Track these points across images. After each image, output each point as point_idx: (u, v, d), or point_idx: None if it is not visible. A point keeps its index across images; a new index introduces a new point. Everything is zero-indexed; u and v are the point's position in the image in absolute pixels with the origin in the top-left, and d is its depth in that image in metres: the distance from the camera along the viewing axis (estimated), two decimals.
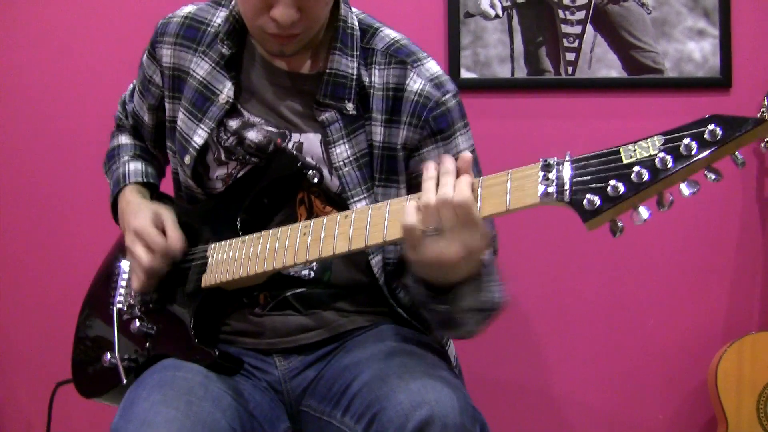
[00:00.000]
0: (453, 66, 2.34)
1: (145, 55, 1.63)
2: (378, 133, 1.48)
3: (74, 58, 2.44)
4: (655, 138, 1.04)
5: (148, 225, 1.51)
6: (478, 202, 1.17)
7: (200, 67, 1.54)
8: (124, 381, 1.52)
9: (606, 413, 2.45)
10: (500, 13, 2.35)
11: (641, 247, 2.40)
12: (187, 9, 1.60)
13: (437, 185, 1.20)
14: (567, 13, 2.35)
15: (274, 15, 1.35)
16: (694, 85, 2.37)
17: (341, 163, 1.47)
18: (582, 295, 2.44)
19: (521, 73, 2.36)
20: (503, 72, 2.36)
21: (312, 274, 1.50)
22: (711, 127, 1.00)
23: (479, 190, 1.18)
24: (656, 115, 2.38)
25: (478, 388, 2.36)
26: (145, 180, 1.66)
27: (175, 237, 1.50)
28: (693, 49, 2.35)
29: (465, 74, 2.35)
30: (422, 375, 1.29)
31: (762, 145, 2.27)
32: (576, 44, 2.35)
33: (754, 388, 2.22)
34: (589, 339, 2.45)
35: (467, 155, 1.22)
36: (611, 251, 2.38)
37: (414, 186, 1.47)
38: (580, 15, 2.35)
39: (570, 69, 2.36)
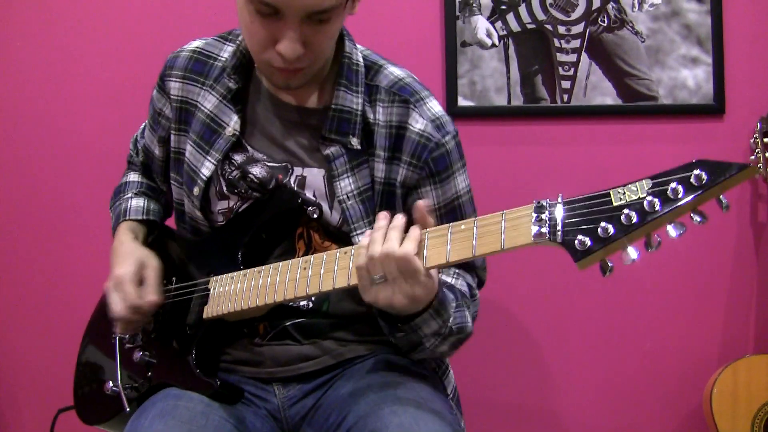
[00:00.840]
0: (450, 94, 2.38)
1: (155, 90, 1.67)
2: (380, 169, 1.51)
3: (74, 58, 2.47)
4: (644, 181, 1.07)
5: (128, 277, 1.54)
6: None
7: (207, 101, 1.57)
8: (127, 409, 1.55)
9: None
10: (497, 42, 2.39)
11: (638, 272, 2.42)
12: (195, 43, 1.63)
13: (384, 237, 1.27)
14: (562, 41, 2.39)
15: (279, 49, 1.38)
16: (687, 112, 2.40)
17: (345, 196, 1.50)
18: (580, 318, 2.46)
19: (517, 100, 2.40)
20: (500, 100, 2.39)
21: (310, 305, 1.53)
22: (697, 171, 1.04)
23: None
24: (651, 141, 2.41)
25: (478, 412, 2.40)
26: (144, 217, 1.69)
27: (150, 297, 1.54)
28: (686, 77, 2.39)
29: (462, 102, 2.38)
30: (415, 408, 1.33)
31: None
32: (571, 72, 2.39)
33: (749, 410, 2.24)
34: (587, 361, 2.47)
35: (421, 204, 1.27)
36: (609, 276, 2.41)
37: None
38: (575, 44, 2.39)
39: (565, 97, 2.39)
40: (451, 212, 1.55)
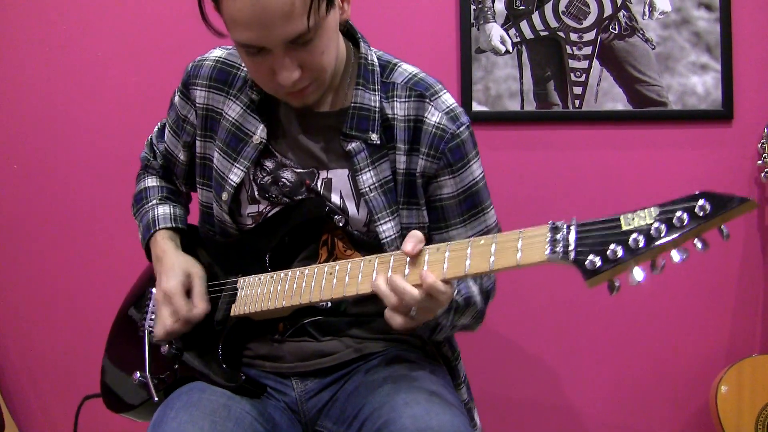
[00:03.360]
0: (465, 99, 2.43)
1: (177, 96, 1.71)
2: (401, 161, 1.57)
3: (74, 59, 2.51)
4: (652, 209, 1.12)
5: (178, 291, 1.60)
6: (492, 257, 1.27)
7: (232, 110, 1.62)
8: (155, 399, 1.61)
9: (612, 431, 2.52)
10: (510, 48, 2.43)
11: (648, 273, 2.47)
12: (217, 52, 1.68)
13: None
14: (574, 48, 2.43)
15: (278, 80, 1.44)
16: (696, 118, 2.44)
17: (367, 188, 1.56)
18: (590, 318, 2.50)
19: (530, 106, 2.44)
20: (513, 105, 2.44)
21: (329, 304, 1.58)
22: (701, 202, 1.09)
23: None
24: (660, 146, 2.45)
25: (489, 406, 2.45)
26: (173, 225, 1.74)
27: (200, 307, 1.60)
28: (696, 83, 2.43)
29: (477, 107, 2.43)
30: (426, 401, 1.40)
31: (762, 175, 2.35)
32: (583, 78, 2.43)
33: (753, 409, 2.28)
34: (597, 360, 2.51)
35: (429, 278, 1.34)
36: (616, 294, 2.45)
37: (431, 209, 1.61)
38: (587, 50, 2.43)
39: (577, 102, 2.44)
40: (468, 198, 1.61)
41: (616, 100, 2.44)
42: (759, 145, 2.39)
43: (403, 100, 1.58)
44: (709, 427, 2.43)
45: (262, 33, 1.38)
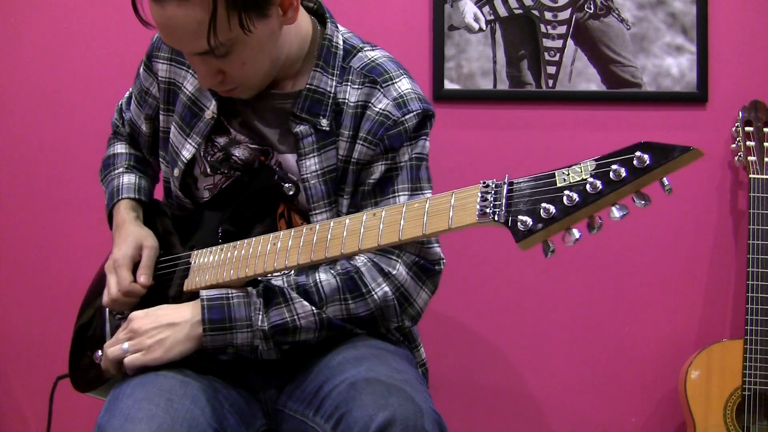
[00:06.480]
0: (437, 77, 2.40)
1: (141, 67, 1.70)
2: (343, 148, 1.54)
3: (73, 59, 2.48)
4: (588, 163, 1.08)
5: (125, 262, 1.60)
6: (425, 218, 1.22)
7: (190, 84, 1.61)
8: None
9: (579, 417, 2.50)
10: (483, 26, 2.41)
11: (617, 256, 2.46)
12: None
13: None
14: (549, 27, 2.41)
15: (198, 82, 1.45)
16: (671, 100, 2.42)
17: (309, 175, 1.54)
18: (558, 301, 2.48)
19: (503, 85, 2.42)
20: (486, 84, 2.42)
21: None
22: (639, 153, 1.05)
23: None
24: (634, 127, 2.43)
25: (454, 392, 2.43)
26: (136, 196, 1.73)
27: (140, 278, 1.59)
28: (671, 65, 2.41)
29: (448, 85, 2.41)
30: (387, 379, 1.36)
31: (736, 158, 2.33)
32: (557, 58, 2.41)
33: (722, 394, 2.27)
34: (565, 344, 2.49)
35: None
36: (588, 259, 2.44)
37: (355, 194, 1.56)
38: (562, 30, 2.41)
39: (551, 82, 2.42)
40: (387, 180, 1.55)
41: (590, 81, 2.41)
42: (733, 129, 2.38)
43: (357, 86, 1.56)
44: (677, 412, 2.42)
45: (171, 42, 1.42)
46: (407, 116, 1.54)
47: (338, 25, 1.61)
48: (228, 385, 1.53)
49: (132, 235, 1.63)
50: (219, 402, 1.47)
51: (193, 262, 1.56)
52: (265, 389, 1.57)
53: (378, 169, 1.54)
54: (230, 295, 1.47)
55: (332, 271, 1.52)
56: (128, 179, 1.75)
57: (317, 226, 1.36)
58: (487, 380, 2.50)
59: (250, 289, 1.49)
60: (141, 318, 1.47)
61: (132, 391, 1.40)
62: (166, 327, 1.46)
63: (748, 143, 2.32)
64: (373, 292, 1.51)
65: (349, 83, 1.56)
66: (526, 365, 2.50)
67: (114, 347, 1.48)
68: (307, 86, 1.54)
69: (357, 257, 1.53)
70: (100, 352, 1.61)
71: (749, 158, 2.30)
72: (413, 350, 1.68)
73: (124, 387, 1.43)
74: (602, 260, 2.45)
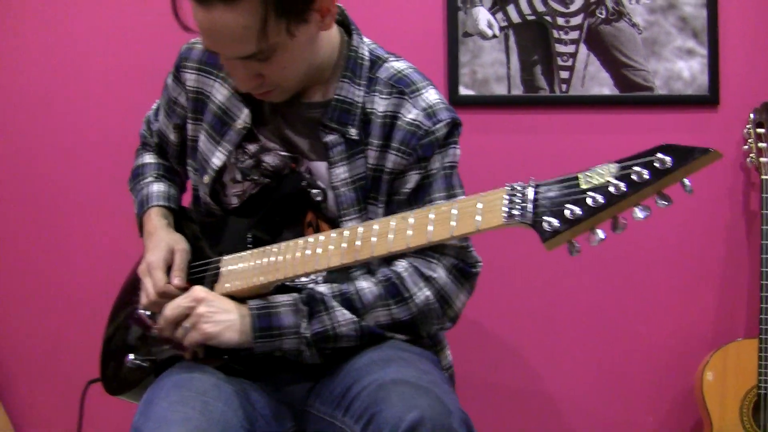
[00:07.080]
0: (452, 83, 2.43)
1: (170, 78, 1.73)
2: (372, 156, 1.57)
3: (74, 59, 2.50)
4: (611, 165, 1.11)
5: (159, 265, 1.61)
6: (453, 222, 1.26)
7: (220, 93, 1.64)
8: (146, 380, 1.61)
9: (597, 416, 2.51)
10: (497, 33, 2.44)
11: (632, 258, 2.47)
12: None
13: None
14: (561, 33, 2.44)
15: (235, 85, 1.48)
16: (682, 103, 2.44)
17: (339, 182, 1.56)
18: (574, 302, 2.50)
19: (517, 90, 2.45)
20: (500, 89, 2.45)
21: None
22: (660, 155, 1.08)
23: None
24: (646, 131, 2.45)
25: (473, 392, 2.45)
26: (166, 204, 1.76)
27: (175, 279, 1.61)
28: (682, 68, 2.44)
29: (463, 91, 2.44)
30: (415, 380, 1.38)
31: (747, 160, 2.36)
32: (570, 63, 2.44)
33: (738, 393, 2.29)
34: (582, 344, 2.51)
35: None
36: (604, 260, 2.45)
37: (390, 203, 1.58)
38: (574, 35, 2.44)
39: (564, 87, 2.45)
40: (422, 188, 1.58)
41: (603, 85, 2.44)
42: (744, 131, 2.40)
43: (385, 96, 1.58)
44: (693, 410, 2.43)
45: (215, 46, 1.44)
46: (437, 125, 1.56)
47: (362, 35, 1.64)
48: (258, 387, 1.55)
49: (164, 240, 1.65)
50: (250, 404, 1.49)
51: (222, 267, 1.58)
52: (294, 391, 1.60)
53: (412, 179, 1.57)
54: (277, 304, 1.50)
55: (373, 279, 1.55)
56: (158, 188, 1.77)
57: (345, 232, 1.39)
58: (505, 381, 2.52)
59: (295, 295, 1.52)
60: (204, 291, 1.51)
61: (167, 393, 1.42)
62: (225, 312, 1.49)
63: (759, 145, 2.34)
64: (414, 297, 1.54)
65: (377, 93, 1.58)
66: (543, 366, 2.52)
67: (174, 307, 1.50)
68: (336, 96, 1.57)
69: (397, 263, 1.56)
70: (131, 356, 1.63)
71: (761, 159, 2.33)
72: (438, 352, 1.70)
73: (157, 390, 1.45)
74: (616, 261, 2.47)
